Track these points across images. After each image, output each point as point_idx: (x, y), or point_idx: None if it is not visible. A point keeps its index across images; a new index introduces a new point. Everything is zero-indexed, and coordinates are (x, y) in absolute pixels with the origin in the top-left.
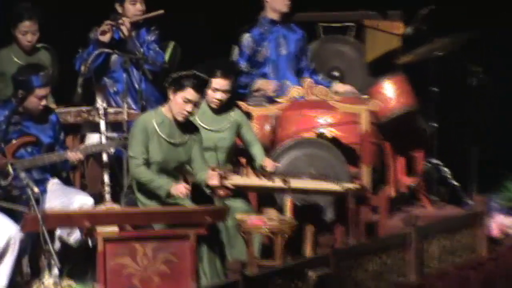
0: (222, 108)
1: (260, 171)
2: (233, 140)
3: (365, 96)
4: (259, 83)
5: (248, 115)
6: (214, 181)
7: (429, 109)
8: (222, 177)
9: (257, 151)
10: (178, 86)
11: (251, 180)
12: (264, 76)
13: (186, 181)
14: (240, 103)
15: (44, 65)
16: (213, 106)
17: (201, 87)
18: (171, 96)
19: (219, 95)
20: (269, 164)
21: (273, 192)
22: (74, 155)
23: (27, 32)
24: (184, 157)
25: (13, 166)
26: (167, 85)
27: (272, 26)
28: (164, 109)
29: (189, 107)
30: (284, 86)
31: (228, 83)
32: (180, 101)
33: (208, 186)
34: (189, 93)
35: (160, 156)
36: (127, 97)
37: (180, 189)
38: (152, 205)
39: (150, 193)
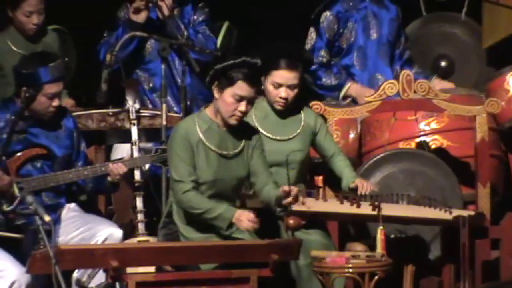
0: (290, 110)
1: (345, 194)
2: (306, 151)
3: (482, 94)
4: (352, 89)
5: (325, 119)
6: (289, 199)
7: None
8: (295, 200)
9: (341, 165)
10: (226, 81)
11: (330, 205)
12: (348, 67)
13: (244, 206)
14: (315, 102)
15: (54, 53)
16: (277, 107)
17: (255, 78)
18: (216, 94)
19: (284, 92)
20: (362, 186)
21: (360, 221)
22: (116, 168)
23: (32, 12)
24: (241, 171)
25: (19, 185)
26: (210, 81)
27: (360, 1)
28: (209, 111)
29: (242, 107)
30: (374, 80)
31: (294, 76)
32: (230, 100)
33: (280, 205)
34: (241, 87)
35: (210, 174)
36: (167, 96)
37: (244, 221)
38: (198, 239)
39: (197, 223)
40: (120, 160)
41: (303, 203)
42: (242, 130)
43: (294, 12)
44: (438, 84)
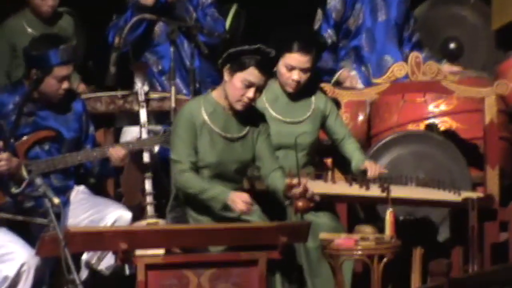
0: (301, 93)
1: (354, 176)
2: (315, 134)
3: (491, 76)
4: (342, 75)
5: (336, 102)
6: (296, 189)
7: None
8: (303, 184)
9: (351, 148)
10: (238, 65)
11: (339, 187)
12: (357, 49)
13: (250, 191)
14: (324, 85)
15: (66, 35)
16: (289, 90)
17: (267, 67)
18: (227, 77)
19: (297, 75)
20: (372, 169)
21: (368, 203)
22: (115, 152)
23: None
24: (246, 155)
25: (28, 167)
26: (222, 63)
27: None
28: (215, 94)
29: (250, 93)
30: (382, 62)
31: (308, 60)
32: (239, 85)
33: (286, 194)
34: (252, 74)
35: (214, 156)
36: (175, 78)
37: (239, 203)
38: (207, 221)
39: (205, 206)
40: (127, 142)
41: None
42: (248, 114)
43: None
44: (448, 69)
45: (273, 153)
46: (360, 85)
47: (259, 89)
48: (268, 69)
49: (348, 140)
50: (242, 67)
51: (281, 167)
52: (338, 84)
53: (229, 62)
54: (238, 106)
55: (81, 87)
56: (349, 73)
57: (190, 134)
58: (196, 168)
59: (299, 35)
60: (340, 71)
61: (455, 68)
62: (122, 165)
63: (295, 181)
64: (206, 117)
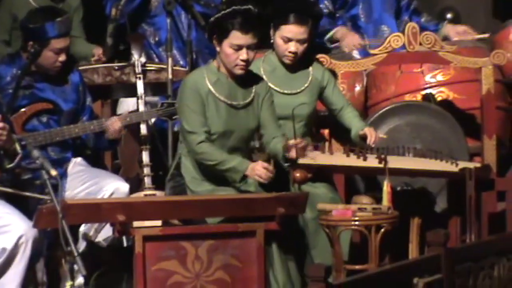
0: (298, 64)
1: (351, 147)
2: (313, 105)
3: (488, 45)
4: (339, 32)
5: (333, 73)
6: (292, 153)
7: None
8: (301, 152)
9: (350, 117)
10: (221, 33)
11: (336, 158)
12: (354, 19)
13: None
14: (321, 56)
15: (63, 9)
16: (286, 61)
17: (249, 25)
18: (217, 47)
19: (293, 47)
20: (371, 135)
21: (366, 174)
22: (111, 124)
23: None
24: (251, 122)
25: (22, 142)
26: (209, 35)
27: None
28: (216, 64)
29: (243, 55)
30: (379, 32)
31: (304, 31)
32: (229, 51)
33: (286, 158)
34: (236, 37)
35: (221, 125)
36: (172, 50)
37: (259, 170)
38: (205, 192)
39: (205, 176)
40: (125, 114)
41: (309, 156)
42: (252, 81)
43: None
44: (451, 29)
45: (276, 120)
46: (355, 35)
47: (250, 48)
48: (251, 27)
49: (346, 109)
50: (225, 34)
51: (283, 134)
52: (333, 42)
53: (214, 32)
54: (237, 71)
55: (101, 51)
56: (348, 31)
57: (199, 104)
58: (210, 136)
59: (294, 6)
60: (336, 28)
61: (459, 27)
62: (118, 137)
63: (292, 141)
64: (210, 86)
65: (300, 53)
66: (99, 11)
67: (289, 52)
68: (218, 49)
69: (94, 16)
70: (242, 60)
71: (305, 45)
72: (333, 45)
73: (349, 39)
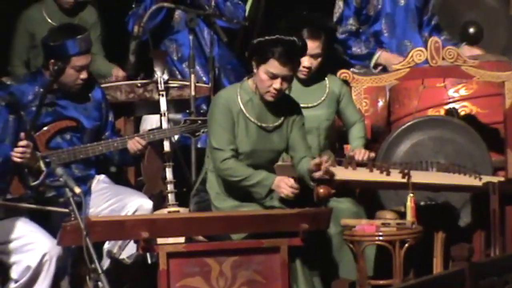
0: (313, 77)
1: (339, 159)
2: (331, 118)
3: (511, 60)
4: (383, 57)
5: (349, 86)
6: (320, 172)
7: None
8: (327, 169)
9: (354, 135)
10: (260, 57)
11: (360, 173)
12: (377, 34)
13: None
14: (343, 71)
15: (83, 26)
16: (301, 76)
17: (289, 56)
18: (255, 68)
19: (307, 62)
20: (360, 152)
21: (389, 188)
22: (133, 143)
23: None
24: (279, 144)
25: (46, 160)
26: (249, 55)
27: None
28: (251, 83)
29: (276, 84)
30: (402, 47)
31: (318, 45)
32: (264, 77)
33: (313, 180)
34: (273, 65)
35: (249, 145)
36: (195, 66)
37: (284, 187)
38: (229, 208)
39: (230, 193)
40: (149, 131)
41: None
42: (283, 104)
43: None
44: (467, 51)
45: (306, 142)
46: (399, 58)
47: (286, 79)
48: (290, 58)
49: (355, 126)
50: (263, 59)
51: (309, 147)
52: (377, 66)
53: (253, 53)
54: (268, 97)
55: (120, 74)
56: (390, 54)
57: (229, 121)
58: (237, 155)
59: (307, 21)
60: (379, 52)
61: (475, 51)
62: (143, 152)
63: (318, 160)
64: (242, 106)
65: (314, 68)
66: (121, 29)
67: (303, 67)
68: (255, 70)
69: (115, 34)
70: (275, 89)
71: (319, 59)
72: (377, 70)
73: (388, 60)
